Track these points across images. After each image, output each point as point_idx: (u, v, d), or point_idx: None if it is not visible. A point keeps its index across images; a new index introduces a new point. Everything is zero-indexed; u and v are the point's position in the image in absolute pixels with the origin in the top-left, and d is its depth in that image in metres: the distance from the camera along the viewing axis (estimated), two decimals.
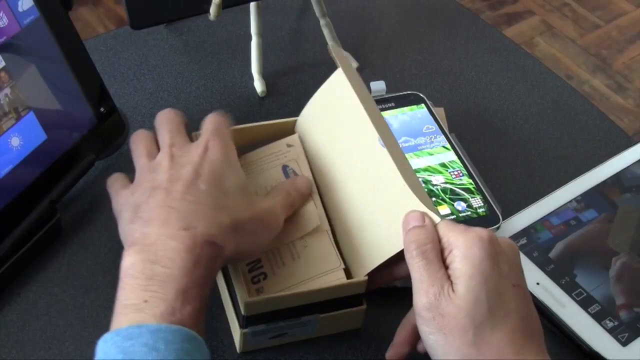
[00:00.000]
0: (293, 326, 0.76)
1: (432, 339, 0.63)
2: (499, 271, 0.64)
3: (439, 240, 0.66)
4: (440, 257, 0.66)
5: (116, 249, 0.84)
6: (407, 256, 0.66)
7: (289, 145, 0.82)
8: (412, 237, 0.67)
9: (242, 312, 0.72)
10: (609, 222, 0.89)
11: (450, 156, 0.90)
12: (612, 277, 0.83)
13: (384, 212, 0.73)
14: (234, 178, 0.72)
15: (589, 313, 0.81)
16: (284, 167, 0.81)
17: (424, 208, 0.69)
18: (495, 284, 0.63)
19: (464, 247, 0.64)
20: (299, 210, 0.78)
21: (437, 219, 0.68)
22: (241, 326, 0.75)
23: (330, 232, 0.78)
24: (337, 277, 0.75)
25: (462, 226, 0.66)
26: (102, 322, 0.79)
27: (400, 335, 0.73)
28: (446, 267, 0.65)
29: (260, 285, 0.74)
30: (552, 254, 0.85)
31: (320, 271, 0.75)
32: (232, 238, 0.68)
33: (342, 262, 0.76)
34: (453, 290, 0.63)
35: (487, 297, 0.62)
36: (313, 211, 0.78)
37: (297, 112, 0.84)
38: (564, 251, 0.86)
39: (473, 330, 0.62)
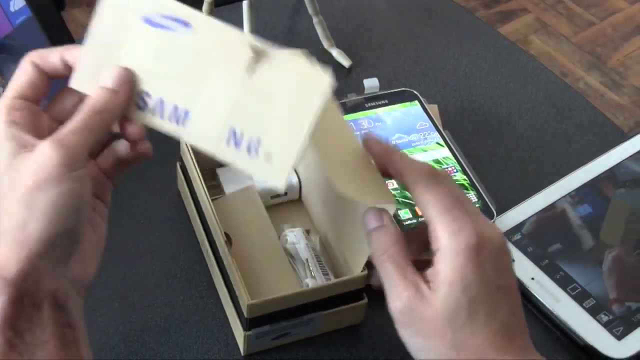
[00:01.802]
0: (296, 325, 0.76)
1: (411, 341, 0.61)
2: (483, 277, 0.60)
3: (428, 226, 0.62)
4: (406, 256, 0.63)
5: (111, 249, 0.84)
6: (375, 262, 0.64)
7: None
8: (375, 242, 0.64)
9: (245, 314, 0.72)
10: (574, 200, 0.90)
11: (444, 152, 0.90)
12: (605, 271, 0.83)
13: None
14: None
15: (583, 307, 0.81)
16: None
17: (368, 200, 0.64)
18: (478, 290, 0.60)
19: (450, 254, 0.60)
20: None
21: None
22: (244, 329, 0.74)
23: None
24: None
25: (453, 226, 0.61)
26: (97, 321, 0.79)
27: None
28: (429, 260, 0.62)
29: None
30: (525, 229, 0.87)
31: None
32: (6, 248, 0.57)
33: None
34: (430, 290, 0.60)
35: (467, 305, 0.60)
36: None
37: None
38: (535, 226, 0.87)
39: (451, 334, 0.59)
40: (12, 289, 0.56)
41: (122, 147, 0.65)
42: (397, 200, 0.84)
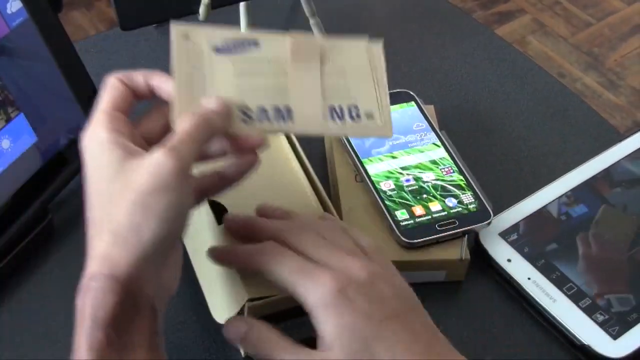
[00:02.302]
0: (295, 326, 0.76)
1: None
2: (363, 315, 0.62)
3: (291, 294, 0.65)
4: (283, 336, 0.64)
5: None
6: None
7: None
8: (251, 346, 0.66)
9: (246, 316, 0.72)
10: None
11: (440, 153, 0.90)
12: (581, 265, 0.84)
13: None
14: (97, 173, 0.62)
15: (579, 307, 0.81)
16: None
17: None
18: (366, 329, 0.61)
19: (321, 310, 0.62)
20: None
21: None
22: None
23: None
24: None
25: (308, 284, 0.63)
26: None
27: None
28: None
29: None
30: (521, 229, 0.87)
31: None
32: (120, 249, 0.59)
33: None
34: (325, 351, 0.61)
35: (363, 347, 0.60)
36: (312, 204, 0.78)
37: None
38: (531, 226, 0.87)
39: None
40: (121, 289, 0.58)
41: (228, 166, 0.68)
42: (394, 200, 0.84)
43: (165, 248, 0.61)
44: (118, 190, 0.59)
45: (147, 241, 0.59)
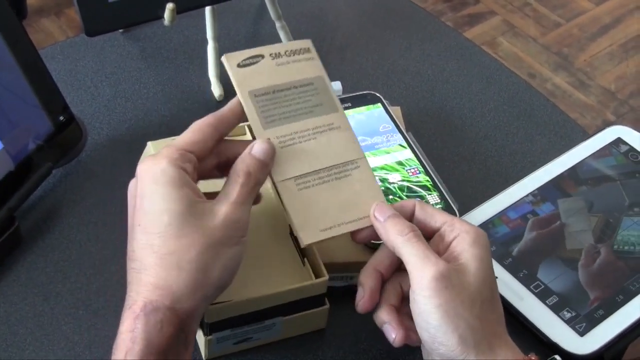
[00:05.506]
0: (257, 330, 0.76)
1: (440, 310, 0.65)
2: (491, 262, 0.69)
3: (438, 225, 0.70)
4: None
5: (76, 256, 0.84)
6: (399, 242, 0.68)
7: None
8: (394, 227, 0.69)
9: (205, 319, 0.72)
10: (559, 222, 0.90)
11: (406, 154, 0.91)
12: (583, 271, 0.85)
13: None
14: (167, 205, 0.63)
15: (547, 305, 0.81)
16: None
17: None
18: (492, 272, 0.69)
19: (474, 235, 0.68)
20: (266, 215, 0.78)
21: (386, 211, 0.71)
22: (205, 333, 0.75)
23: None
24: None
25: (467, 224, 0.70)
26: (62, 329, 0.79)
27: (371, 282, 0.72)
28: (444, 248, 0.69)
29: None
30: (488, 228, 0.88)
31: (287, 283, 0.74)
32: (186, 285, 0.63)
33: (312, 275, 0.76)
34: (460, 264, 0.67)
35: (490, 280, 0.68)
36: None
37: None
38: (524, 251, 0.87)
39: (480, 305, 0.66)
40: (178, 322, 0.62)
41: None
42: None
43: (220, 292, 0.66)
44: (190, 231, 0.63)
45: (212, 284, 0.64)
